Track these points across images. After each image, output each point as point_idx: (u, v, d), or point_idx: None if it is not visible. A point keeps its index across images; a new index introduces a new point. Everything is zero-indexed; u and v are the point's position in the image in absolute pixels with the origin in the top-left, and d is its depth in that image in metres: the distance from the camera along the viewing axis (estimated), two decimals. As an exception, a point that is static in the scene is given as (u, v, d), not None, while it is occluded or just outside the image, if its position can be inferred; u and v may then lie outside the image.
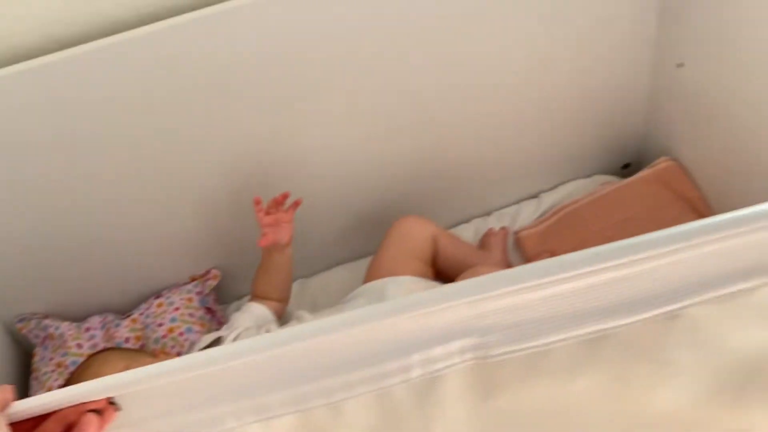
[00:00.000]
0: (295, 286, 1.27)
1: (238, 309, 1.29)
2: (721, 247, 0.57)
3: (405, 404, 0.60)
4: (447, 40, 1.08)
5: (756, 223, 0.56)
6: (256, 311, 1.13)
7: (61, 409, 0.54)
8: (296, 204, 1.11)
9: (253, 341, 0.54)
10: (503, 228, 1.30)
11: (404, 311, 0.54)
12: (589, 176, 1.39)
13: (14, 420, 0.53)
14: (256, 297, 1.16)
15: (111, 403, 0.54)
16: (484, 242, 1.27)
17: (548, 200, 1.35)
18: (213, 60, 0.99)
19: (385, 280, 1.10)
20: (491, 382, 0.62)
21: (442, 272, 1.19)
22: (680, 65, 1.16)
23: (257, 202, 1.08)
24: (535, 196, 1.38)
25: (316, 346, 0.55)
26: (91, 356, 1.08)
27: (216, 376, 0.55)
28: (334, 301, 1.27)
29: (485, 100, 1.18)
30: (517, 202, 1.37)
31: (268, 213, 1.09)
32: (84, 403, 0.54)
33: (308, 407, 0.58)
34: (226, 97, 1.04)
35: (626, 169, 1.41)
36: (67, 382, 1.04)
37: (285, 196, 1.09)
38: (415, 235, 1.15)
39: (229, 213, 1.20)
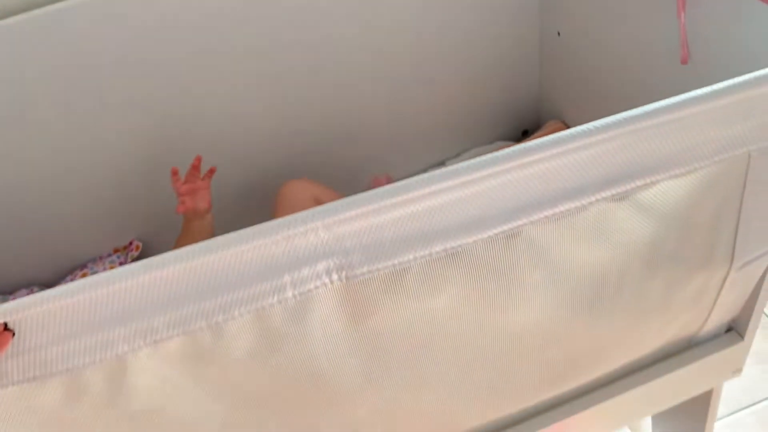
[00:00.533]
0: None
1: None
2: (550, 166, 0.63)
3: (282, 324, 0.66)
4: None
5: (577, 143, 0.63)
6: None
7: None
8: (211, 171, 1.15)
9: (134, 265, 0.59)
10: (387, 175, 1.34)
11: (267, 235, 0.60)
12: (490, 143, 1.47)
13: None
14: None
15: (6, 329, 0.58)
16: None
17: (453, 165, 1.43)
18: (118, 37, 1.04)
19: None
20: (360, 300, 0.67)
21: None
22: (559, 34, 1.24)
23: (174, 173, 1.12)
24: (441, 163, 1.45)
25: (193, 269, 0.60)
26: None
27: (104, 301, 0.60)
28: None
29: (382, 64, 1.25)
30: (425, 169, 1.44)
31: (185, 182, 1.13)
32: None
33: (192, 329, 0.63)
34: (135, 70, 1.09)
35: (526, 135, 1.49)
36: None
37: (199, 160, 1.13)
38: (297, 197, 1.19)
39: (146, 185, 1.24)
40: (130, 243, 1.30)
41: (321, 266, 0.64)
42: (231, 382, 0.68)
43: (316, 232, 0.62)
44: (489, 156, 0.62)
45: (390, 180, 1.34)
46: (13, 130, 1.09)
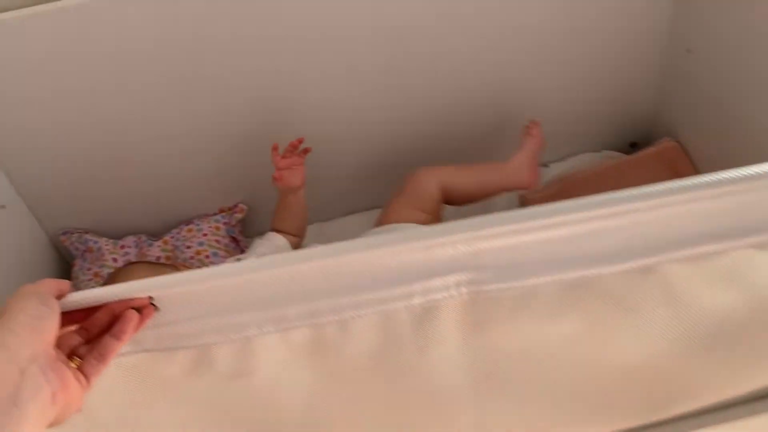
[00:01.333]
0: (313, 228, 1.32)
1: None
2: (698, 207, 0.60)
3: (405, 327, 0.65)
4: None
5: (732, 187, 0.59)
6: (276, 241, 1.18)
7: (108, 303, 0.59)
8: (306, 150, 1.16)
9: (275, 257, 0.59)
10: (535, 124, 1.24)
11: (407, 242, 0.59)
12: (597, 151, 1.42)
13: (69, 309, 0.59)
14: (275, 230, 1.21)
15: (151, 303, 0.59)
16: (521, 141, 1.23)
17: (556, 169, 1.39)
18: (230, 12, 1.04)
19: (388, 227, 1.14)
20: (483, 316, 0.66)
21: (462, 201, 1.21)
22: (689, 51, 1.18)
23: (275, 148, 1.13)
24: (545, 165, 1.41)
25: (330, 267, 0.60)
26: (121, 267, 1.14)
27: (242, 287, 0.60)
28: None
29: (503, 66, 1.22)
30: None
31: (283, 157, 1.13)
32: (129, 299, 0.59)
33: (320, 322, 0.63)
34: (256, 46, 1.09)
35: (633, 148, 1.44)
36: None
37: (300, 141, 1.14)
38: (420, 187, 1.17)
39: (255, 154, 1.25)
40: (236, 205, 1.32)
41: (453, 278, 0.63)
42: (346, 378, 0.68)
43: (456, 245, 0.60)
44: (645, 189, 0.59)
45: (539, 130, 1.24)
46: (141, 93, 1.11)
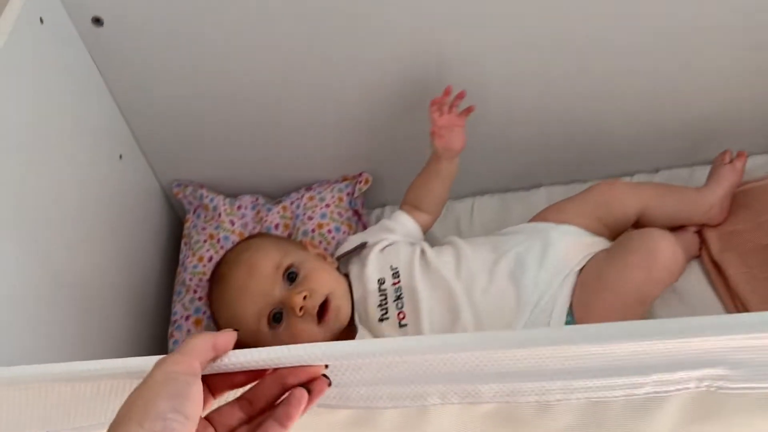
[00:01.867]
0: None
1: (382, 215, 1.24)
2: None
3: (615, 415, 0.53)
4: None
5: None
6: (406, 224, 1.06)
7: (278, 369, 0.49)
8: (469, 110, 1.01)
9: (468, 336, 0.47)
10: (741, 156, 1.07)
11: (661, 335, 0.46)
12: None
13: (229, 370, 0.48)
14: (407, 205, 1.08)
15: (324, 375, 0.48)
16: (712, 172, 1.08)
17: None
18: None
19: (551, 225, 1.00)
20: (711, 409, 0.54)
21: (646, 226, 1.04)
22: None
23: (433, 103, 1.00)
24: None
25: (567, 352, 0.47)
26: (245, 240, 1.05)
27: (432, 363, 0.49)
28: (478, 228, 1.19)
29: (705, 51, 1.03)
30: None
31: (443, 115, 1.00)
32: (302, 367, 0.48)
33: (519, 401, 0.51)
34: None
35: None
36: (221, 261, 1.01)
37: (461, 96, 1.00)
38: (618, 205, 1.01)
39: (391, 116, 1.11)
40: (360, 174, 1.19)
41: (699, 373, 0.49)
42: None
43: (718, 341, 0.47)
44: None
45: (743, 162, 1.08)
46: (279, 36, 0.98)
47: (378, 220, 1.23)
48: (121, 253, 1.05)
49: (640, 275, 0.89)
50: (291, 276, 0.94)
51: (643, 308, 0.94)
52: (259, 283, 0.93)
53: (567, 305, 0.93)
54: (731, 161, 1.07)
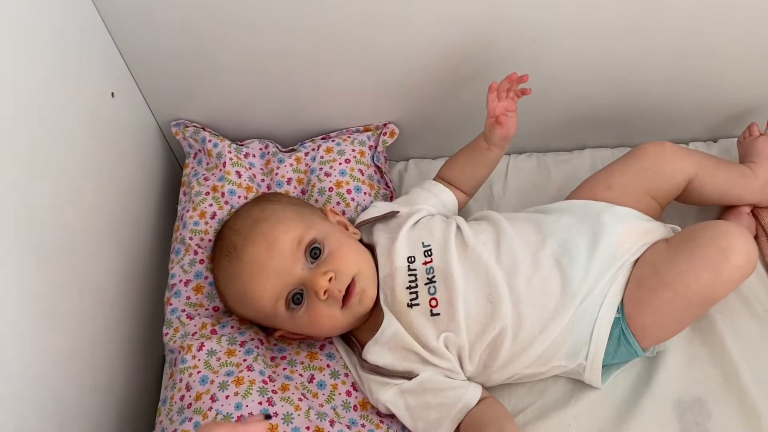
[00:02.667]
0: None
1: (405, 172, 1.10)
2: None
3: None
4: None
5: None
6: (444, 197, 0.93)
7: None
8: (524, 92, 0.88)
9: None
10: None
11: None
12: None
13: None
14: (443, 180, 0.95)
15: None
16: (749, 149, 0.97)
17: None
18: None
19: (602, 206, 0.88)
20: None
21: (695, 202, 0.94)
22: None
23: (492, 89, 0.87)
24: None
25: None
26: (259, 203, 0.90)
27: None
28: (512, 193, 1.06)
29: None
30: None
31: (500, 100, 0.86)
32: None
33: None
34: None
35: None
36: (231, 228, 0.87)
37: (523, 80, 0.86)
38: (667, 169, 0.89)
39: (427, 69, 0.96)
40: (385, 125, 1.04)
41: None
42: None
43: None
44: None
45: None
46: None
47: (401, 176, 1.10)
48: (111, 201, 0.90)
49: (707, 277, 0.78)
50: (314, 253, 0.82)
51: (704, 311, 0.83)
52: (280, 260, 0.80)
53: (618, 301, 0.82)
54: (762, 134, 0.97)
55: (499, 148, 0.92)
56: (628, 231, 0.84)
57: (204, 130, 1.03)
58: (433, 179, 0.96)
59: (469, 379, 0.82)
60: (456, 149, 1.08)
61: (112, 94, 0.91)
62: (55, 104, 0.78)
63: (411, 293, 0.83)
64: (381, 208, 0.93)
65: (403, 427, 0.82)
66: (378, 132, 1.04)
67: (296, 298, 0.81)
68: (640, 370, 0.86)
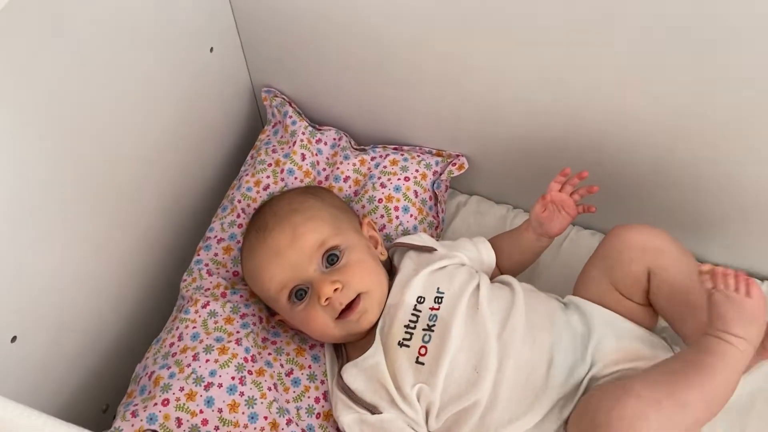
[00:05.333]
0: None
1: (465, 205, 1.05)
2: None
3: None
4: None
5: None
6: (485, 255, 0.88)
7: None
8: (590, 191, 0.82)
9: None
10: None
11: None
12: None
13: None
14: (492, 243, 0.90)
15: None
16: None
17: None
18: None
19: (593, 308, 0.80)
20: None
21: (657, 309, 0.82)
22: None
23: (564, 174, 0.82)
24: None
25: None
26: (304, 193, 0.88)
27: None
28: (560, 275, 0.96)
29: None
30: None
31: (561, 189, 0.82)
32: None
33: None
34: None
35: None
36: (270, 208, 0.86)
37: (582, 177, 0.80)
38: (620, 258, 0.79)
39: (512, 118, 0.91)
40: (458, 156, 1.00)
41: None
42: None
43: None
44: None
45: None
46: None
47: (458, 208, 1.05)
48: (195, 146, 0.95)
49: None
50: (331, 259, 0.80)
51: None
52: (298, 255, 0.80)
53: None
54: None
55: (535, 235, 0.86)
56: (617, 348, 0.76)
57: (290, 104, 1.03)
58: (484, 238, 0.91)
59: (430, 435, 0.79)
60: (520, 201, 1.03)
61: (211, 49, 0.92)
62: (154, 55, 0.82)
63: (406, 333, 0.79)
64: (424, 240, 0.89)
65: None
66: (448, 161, 1.00)
67: (300, 293, 0.80)
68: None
